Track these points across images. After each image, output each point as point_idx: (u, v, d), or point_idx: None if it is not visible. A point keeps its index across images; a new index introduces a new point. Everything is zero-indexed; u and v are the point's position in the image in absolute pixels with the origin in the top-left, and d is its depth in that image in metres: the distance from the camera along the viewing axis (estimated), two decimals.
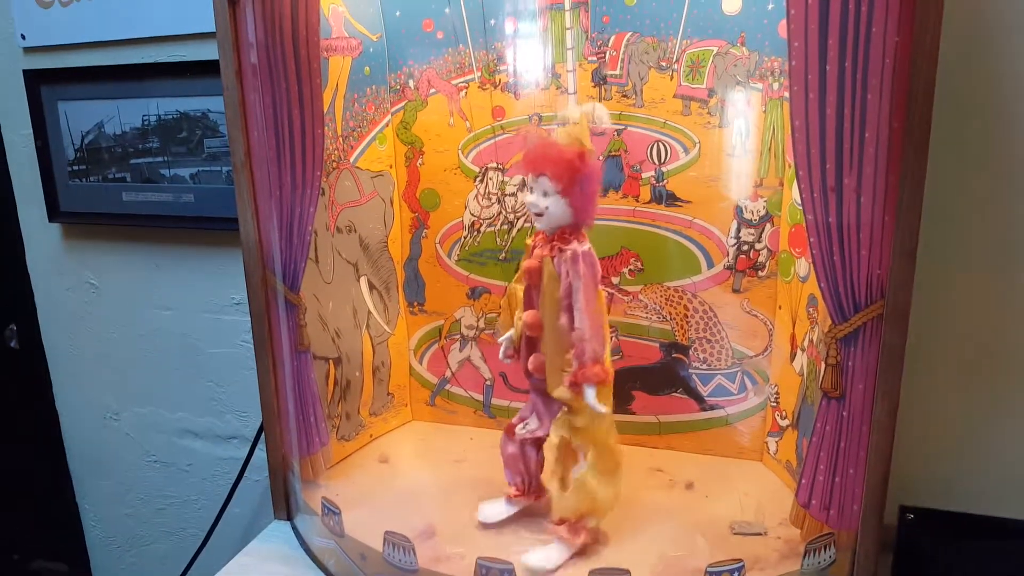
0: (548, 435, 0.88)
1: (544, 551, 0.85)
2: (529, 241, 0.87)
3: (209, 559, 1.27)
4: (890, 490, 0.78)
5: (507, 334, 0.91)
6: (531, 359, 0.86)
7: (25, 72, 1.31)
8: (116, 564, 1.57)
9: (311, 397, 1.00)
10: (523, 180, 0.96)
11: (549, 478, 0.88)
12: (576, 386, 0.81)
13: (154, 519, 1.50)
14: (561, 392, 0.83)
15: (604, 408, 0.81)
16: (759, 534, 0.87)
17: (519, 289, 0.88)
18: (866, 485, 0.78)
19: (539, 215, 0.82)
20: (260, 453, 1.25)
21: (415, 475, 1.06)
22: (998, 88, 0.90)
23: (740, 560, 0.76)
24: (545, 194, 0.81)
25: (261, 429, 1.23)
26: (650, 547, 0.85)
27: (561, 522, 0.85)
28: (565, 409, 0.86)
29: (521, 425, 0.90)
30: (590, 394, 0.80)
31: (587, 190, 0.81)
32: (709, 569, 0.76)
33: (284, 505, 1.05)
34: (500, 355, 0.91)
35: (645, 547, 0.85)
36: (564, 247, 0.81)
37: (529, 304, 0.86)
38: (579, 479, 0.84)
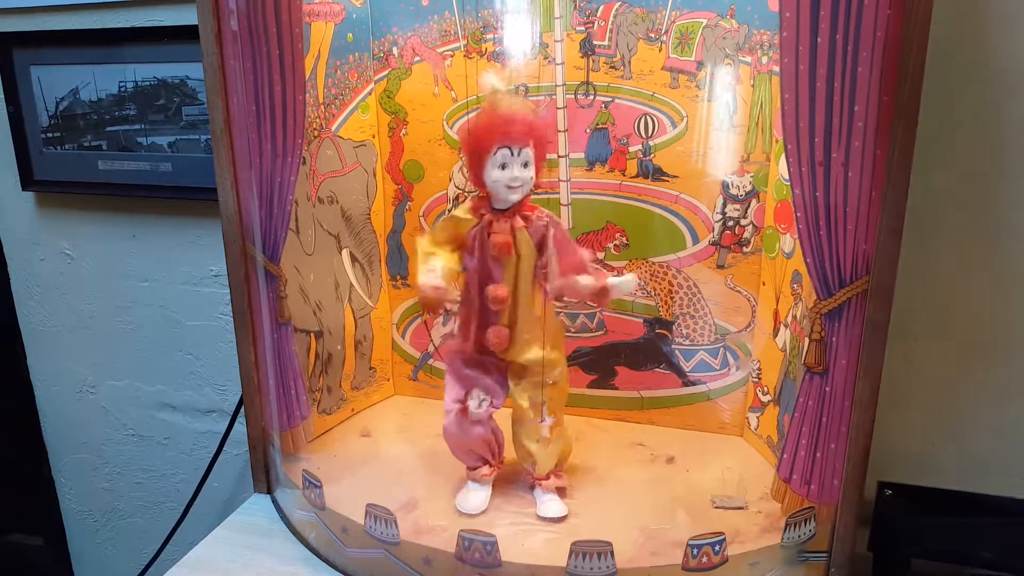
0: (500, 407, 0.89)
1: (550, 503, 0.87)
2: (467, 216, 0.85)
3: (188, 533, 1.26)
4: (868, 465, 0.79)
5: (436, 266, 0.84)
6: (492, 333, 0.85)
7: None
8: (93, 538, 1.56)
9: (292, 370, 0.99)
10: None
11: (525, 441, 0.88)
12: (605, 288, 0.83)
13: (131, 493, 1.49)
14: (536, 353, 0.85)
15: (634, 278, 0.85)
16: (740, 508, 0.88)
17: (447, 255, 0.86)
18: (847, 460, 0.79)
19: (519, 187, 0.81)
20: (239, 427, 1.24)
21: (397, 449, 1.05)
22: (990, 62, 0.90)
23: (721, 533, 0.77)
24: (526, 165, 0.80)
25: (240, 402, 1.22)
26: (631, 520, 0.86)
27: (548, 475, 0.88)
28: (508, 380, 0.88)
29: (476, 404, 0.87)
30: (616, 279, 0.84)
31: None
32: (690, 542, 0.76)
33: (264, 478, 1.05)
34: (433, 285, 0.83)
35: (626, 520, 0.86)
36: (541, 215, 0.84)
37: (489, 279, 0.84)
38: (558, 430, 0.88)
